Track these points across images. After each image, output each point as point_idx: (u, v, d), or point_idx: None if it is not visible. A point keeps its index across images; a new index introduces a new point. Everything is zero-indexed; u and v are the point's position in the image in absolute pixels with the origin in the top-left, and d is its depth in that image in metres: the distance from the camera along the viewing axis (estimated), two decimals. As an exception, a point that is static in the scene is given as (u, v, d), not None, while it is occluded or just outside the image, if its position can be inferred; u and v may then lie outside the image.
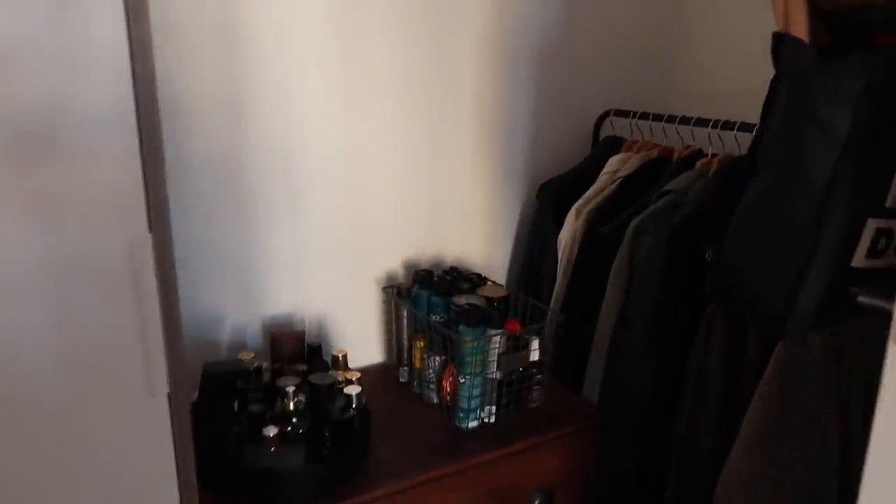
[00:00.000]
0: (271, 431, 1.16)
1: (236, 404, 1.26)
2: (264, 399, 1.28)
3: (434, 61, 1.62)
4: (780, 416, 1.20)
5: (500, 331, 1.43)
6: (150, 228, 0.74)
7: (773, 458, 1.21)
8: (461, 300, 1.52)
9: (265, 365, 1.40)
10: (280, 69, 1.43)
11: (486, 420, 1.48)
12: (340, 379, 1.38)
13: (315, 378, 1.29)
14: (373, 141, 1.59)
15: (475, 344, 1.40)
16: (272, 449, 1.16)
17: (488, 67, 1.70)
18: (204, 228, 1.43)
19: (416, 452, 1.38)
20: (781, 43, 0.84)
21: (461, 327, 1.41)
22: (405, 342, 1.63)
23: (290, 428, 1.21)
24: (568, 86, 1.86)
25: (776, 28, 0.85)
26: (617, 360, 1.54)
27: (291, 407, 1.23)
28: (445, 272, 1.66)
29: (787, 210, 0.82)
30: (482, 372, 1.43)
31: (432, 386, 1.54)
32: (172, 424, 0.89)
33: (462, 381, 1.42)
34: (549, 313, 1.55)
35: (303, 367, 1.41)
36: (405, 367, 1.64)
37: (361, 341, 1.73)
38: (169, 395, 0.87)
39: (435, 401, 1.54)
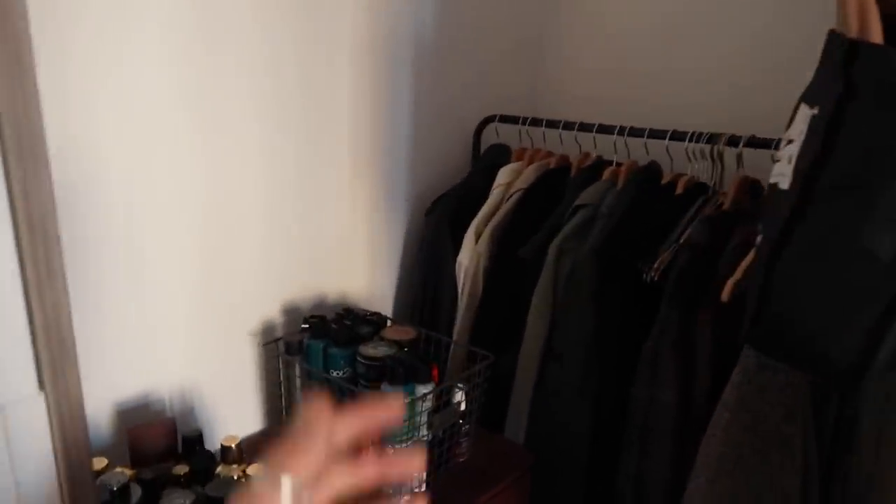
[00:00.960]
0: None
1: (102, 547, 0.90)
2: (141, 530, 0.93)
3: (303, 78, 1.32)
4: (747, 444, 1.12)
5: (430, 386, 1.20)
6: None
7: (743, 488, 1.13)
8: (370, 349, 1.26)
9: (129, 473, 1.03)
10: (115, 84, 1.05)
11: (415, 490, 1.24)
12: (237, 476, 1.07)
13: (213, 490, 0.96)
14: (233, 171, 1.25)
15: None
16: None
17: (361, 78, 1.44)
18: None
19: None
20: (859, 53, 0.71)
21: (384, 387, 1.16)
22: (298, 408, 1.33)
23: (191, 570, 0.88)
24: (444, 92, 1.65)
25: (848, 34, 0.73)
26: (547, 396, 1.38)
27: (191, 540, 0.90)
28: (340, 315, 1.38)
29: (865, 245, 0.70)
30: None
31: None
32: None
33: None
34: (477, 355, 1.34)
35: (183, 469, 1.07)
36: (299, 437, 1.34)
37: (233, 410, 1.38)
38: None
39: (346, 475, 1.27)
